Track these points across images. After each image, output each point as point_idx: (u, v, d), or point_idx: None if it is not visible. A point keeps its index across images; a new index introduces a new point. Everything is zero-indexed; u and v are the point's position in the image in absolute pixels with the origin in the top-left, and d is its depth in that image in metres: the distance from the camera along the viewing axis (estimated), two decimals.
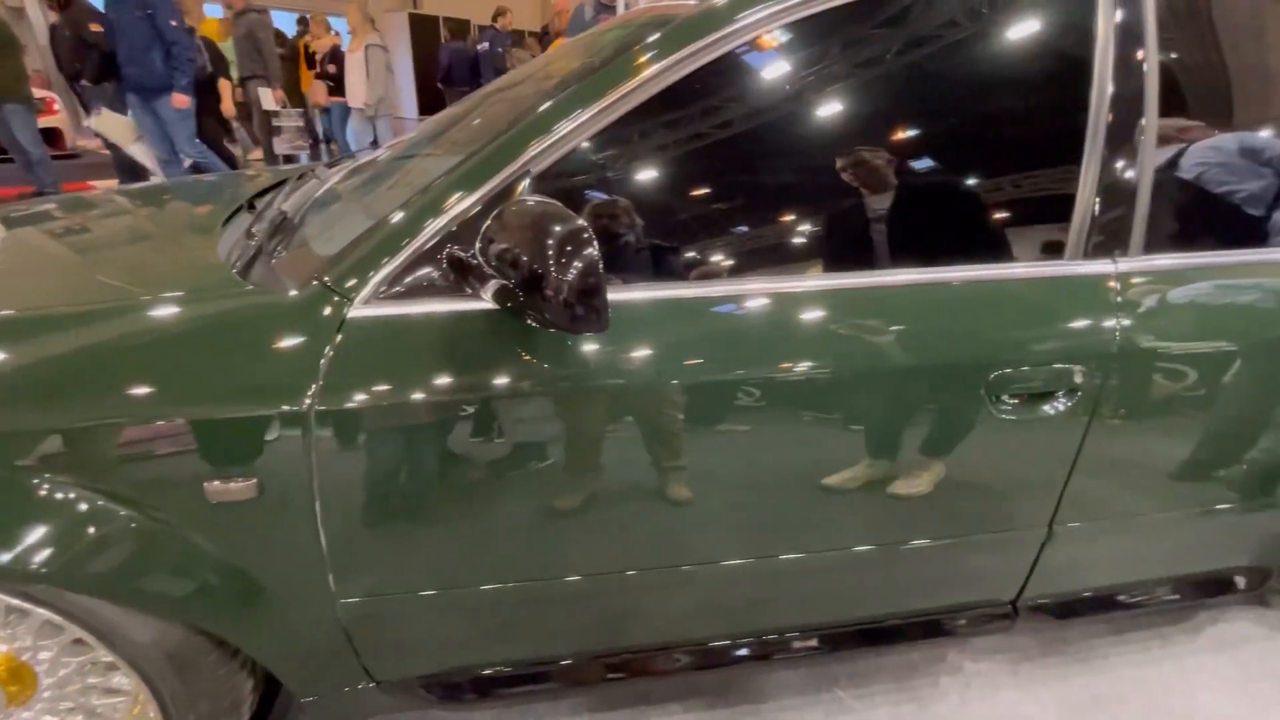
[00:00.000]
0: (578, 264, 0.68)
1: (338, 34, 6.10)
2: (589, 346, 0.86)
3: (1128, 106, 0.98)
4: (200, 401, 0.79)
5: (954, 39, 0.99)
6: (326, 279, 0.85)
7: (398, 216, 0.86)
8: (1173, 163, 1.05)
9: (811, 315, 0.93)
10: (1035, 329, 0.96)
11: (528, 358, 0.84)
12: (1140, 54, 0.99)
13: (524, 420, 0.86)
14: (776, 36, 0.94)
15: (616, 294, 0.87)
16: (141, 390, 0.78)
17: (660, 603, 1.06)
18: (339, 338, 0.81)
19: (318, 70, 5.79)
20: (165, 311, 0.84)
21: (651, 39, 0.92)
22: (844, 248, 0.96)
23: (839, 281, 0.94)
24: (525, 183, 0.86)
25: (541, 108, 0.89)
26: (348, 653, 0.96)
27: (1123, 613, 1.34)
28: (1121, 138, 0.98)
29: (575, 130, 0.87)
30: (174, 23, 3.79)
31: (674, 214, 0.94)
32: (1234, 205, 1.08)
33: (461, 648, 1.03)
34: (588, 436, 0.89)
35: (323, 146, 6.43)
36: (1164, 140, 1.01)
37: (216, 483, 0.80)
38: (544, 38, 6.71)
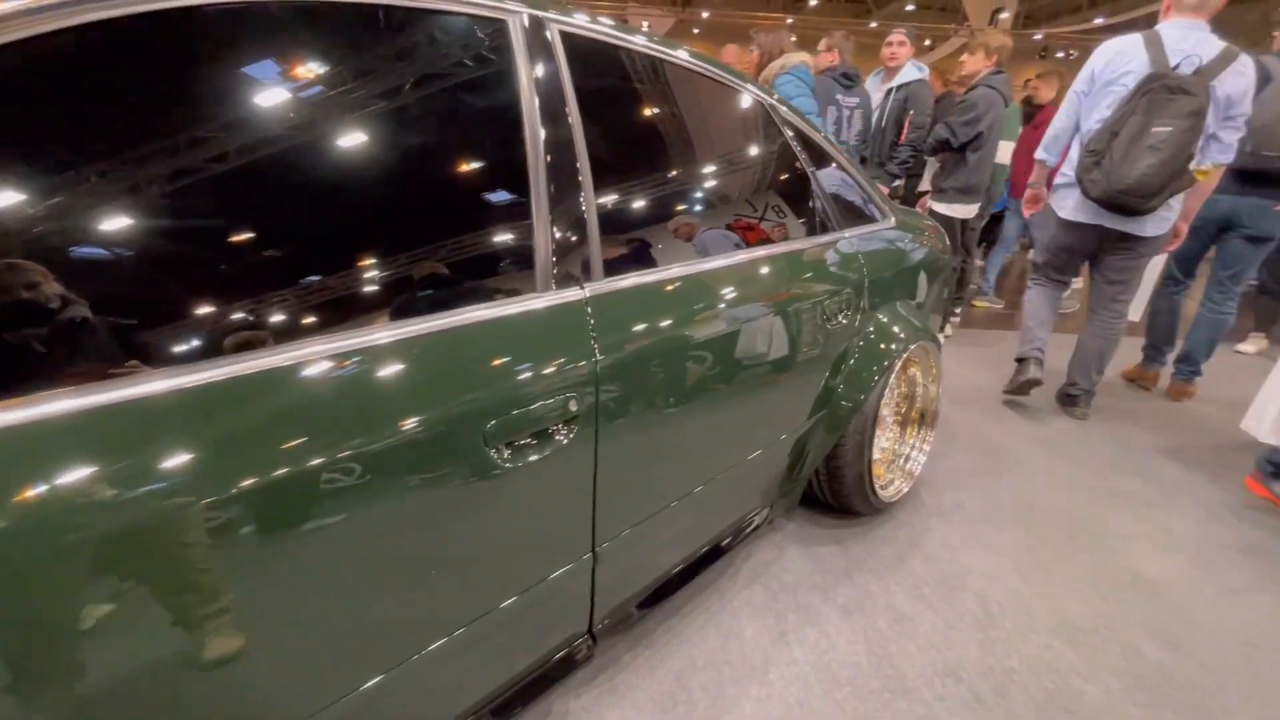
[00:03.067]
0: None
1: None
2: None
3: (561, 150, 1.04)
4: None
5: (409, 93, 0.90)
6: None
7: None
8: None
9: (256, 401, 0.70)
10: (522, 367, 0.93)
11: None
12: (564, 105, 1.06)
13: None
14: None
15: None
16: None
17: None
18: None
19: None
20: None
21: None
22: (295, 312, 0.76)
23: (290, 354, 0.74)
24: None
25: None
26: None
27: (683, 588, 1.50)
28: (562, 177, 1.04)
29: None
30: None
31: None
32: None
33: None
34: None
35: None
36: (600, 177, 1.10)
37: None
38: None
